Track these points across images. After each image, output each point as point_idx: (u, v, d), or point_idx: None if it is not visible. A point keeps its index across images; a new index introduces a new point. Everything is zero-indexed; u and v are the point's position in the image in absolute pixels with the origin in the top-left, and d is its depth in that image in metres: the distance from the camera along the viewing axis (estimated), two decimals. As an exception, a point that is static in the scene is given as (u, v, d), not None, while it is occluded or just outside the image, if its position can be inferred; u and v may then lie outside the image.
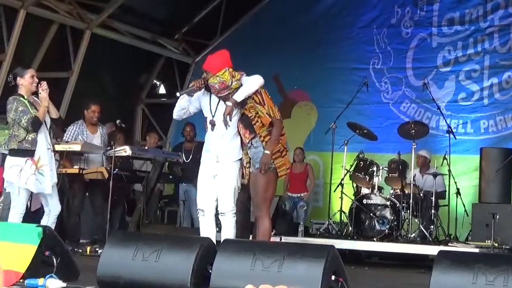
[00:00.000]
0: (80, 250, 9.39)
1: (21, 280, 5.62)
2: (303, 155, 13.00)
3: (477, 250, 9.54)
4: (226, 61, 6.96)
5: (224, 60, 6.97)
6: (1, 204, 10.76)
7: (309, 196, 13.00)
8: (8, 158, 7.70)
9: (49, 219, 7.69)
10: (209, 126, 7.04)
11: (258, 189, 7.01)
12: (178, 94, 7.09)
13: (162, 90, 15.67)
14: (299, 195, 12.81)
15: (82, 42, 12.89)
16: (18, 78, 7.75)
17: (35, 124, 7.59)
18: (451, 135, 11.39)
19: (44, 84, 7.72)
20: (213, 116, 7.02)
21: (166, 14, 14.86)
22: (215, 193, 7.04)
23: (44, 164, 7.61)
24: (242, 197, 10.06)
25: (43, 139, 7.66)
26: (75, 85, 12.88)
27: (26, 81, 7.72)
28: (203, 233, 7.05)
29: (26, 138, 7.60)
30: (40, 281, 5.52)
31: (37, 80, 7.75)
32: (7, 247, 5.91)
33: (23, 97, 7.70)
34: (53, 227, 7.42)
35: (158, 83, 15.43)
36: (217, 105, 7.01)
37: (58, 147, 9.19)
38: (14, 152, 7.65)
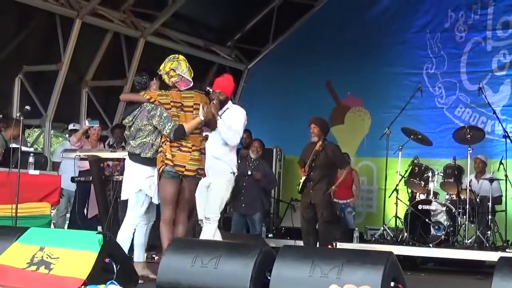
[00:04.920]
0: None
1: (82, 287, 5.69)
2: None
3: (536, 256, 9.41)
4: None
5: None
6: (57, 211, 10.93)
7: (355, 201, 12.93)
8: (141, 167, 7.31)
9: (148, 227, 7.56)
10: None
11: None
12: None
13: (215, 97, 15.70)
14: (345, 201, 12.68)
15: (136, 50, 13.02)
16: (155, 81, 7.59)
17: (179, 133, 7.14)
18: (508, 140, 11.25)
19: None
20: None
21: (218, 21, 14.95)
22: None
23: None
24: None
25: None
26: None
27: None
28: None
29: None
30: (101, 288, 5.59)
31: None
32: (68, 254, 5.99)
33: None
34: (148, 234, 7.55)
35: (211, 90, 15.43)
36: None
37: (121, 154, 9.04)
38: (149, 161, 7.29)
